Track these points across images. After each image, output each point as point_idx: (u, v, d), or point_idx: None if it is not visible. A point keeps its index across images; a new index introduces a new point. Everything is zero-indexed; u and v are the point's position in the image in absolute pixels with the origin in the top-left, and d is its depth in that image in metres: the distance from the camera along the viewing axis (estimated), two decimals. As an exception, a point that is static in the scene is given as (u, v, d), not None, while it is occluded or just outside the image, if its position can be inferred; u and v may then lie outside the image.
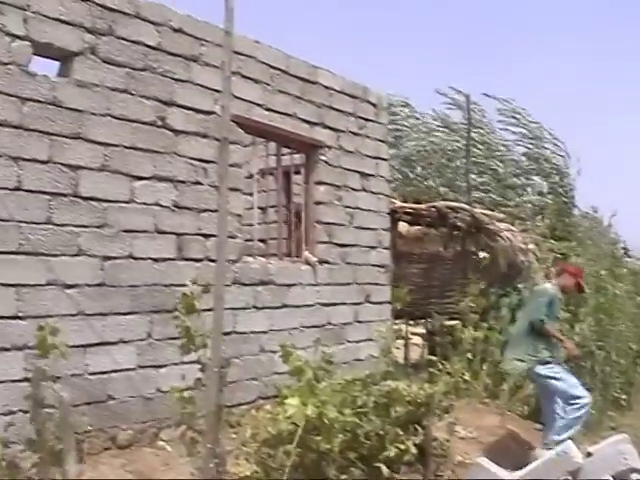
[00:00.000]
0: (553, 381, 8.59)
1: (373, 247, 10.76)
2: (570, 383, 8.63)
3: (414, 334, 14.53)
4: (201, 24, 8.26)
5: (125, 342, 7.31)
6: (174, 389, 6.01)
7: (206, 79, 8.22)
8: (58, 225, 6.79)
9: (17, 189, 6.51)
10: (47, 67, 7.04)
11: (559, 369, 8.67)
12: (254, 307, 8.68)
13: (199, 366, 5.91)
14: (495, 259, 13.08)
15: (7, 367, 6.35)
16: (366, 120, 10.77)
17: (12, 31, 6.57)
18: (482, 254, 13.37)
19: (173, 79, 7.91)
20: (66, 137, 6.89)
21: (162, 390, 7.44)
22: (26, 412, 6.13)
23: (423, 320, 14.07)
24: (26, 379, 6.28)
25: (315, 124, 9.80)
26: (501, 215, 15.54)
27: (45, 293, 6.69)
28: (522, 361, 8.72)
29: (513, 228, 14.30)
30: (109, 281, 7.18)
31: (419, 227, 13.94)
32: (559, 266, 10.12)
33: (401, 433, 6.61)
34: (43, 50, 6.87)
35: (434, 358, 9.14)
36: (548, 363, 8.61)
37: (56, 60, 7.13)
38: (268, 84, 9.10)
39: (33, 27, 6.73)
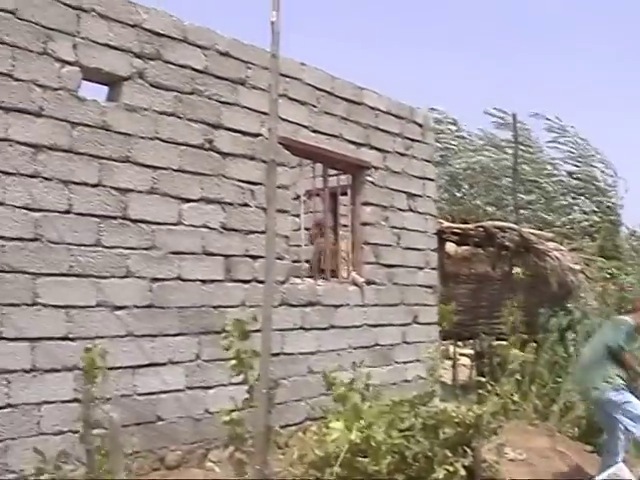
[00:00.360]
0: (624, 405, 8.37)
1: (420, 268, 10.71)
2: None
3: (462, 355, 14.45)
4: (247, 47, 8.33)
5: (174, 363, 7.35)
6: (223, 410, 6.03)
7: (253, 102, 8.28)
8: (107, 247, 6.87)
9: (67, 212, 6.61)
10: (96, 92, 7.17)
11: (629, 395, 8.46)
12: (302, 328, 8.68)
13: (247, 387, 5.93)
14: (544, 279, 12.97)
15: (57, 388, 6.43)
16: (412, 140, 10.75)
17: (62, 57, 6.70)
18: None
19: (220, 102, 7.98)
20: (115, 161, 6.99)
21: (210, 411, 7.48)
22: (76, 432, 6.18)
23: (471, 341, 14.00)
24: (76, 400, 6.35)
25: (361, 145, 9.81)
26: (550, 234, 15.40)
27: (95, 314, 6.76)
28: (597, 388, 8.50)
29: (562, 247, 14.17)
30: (158, 302, 7.24)
31: (467, 247, 13.89)
32: (635, 303, 9.89)
33: (450, 455, 6.55)
34: (92, 75, 6.99)
35: (483, 379, 9.06)
36: (620, 390, 8.40)
37: (105, 85, 7.25)
38: (314, 106, 9.14)
39: (82, 53, 6.84)
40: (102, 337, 6.72)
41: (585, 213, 23.35)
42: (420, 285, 10.66)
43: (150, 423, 7.11)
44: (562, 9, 55.94)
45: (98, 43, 6.97)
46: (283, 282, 8.43)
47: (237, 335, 5.93)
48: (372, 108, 10.06)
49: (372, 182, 9.92)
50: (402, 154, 10.52)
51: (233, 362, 5.95)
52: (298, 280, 8.84)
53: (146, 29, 7.37)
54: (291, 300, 8.55)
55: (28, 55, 6.49)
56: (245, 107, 8.24)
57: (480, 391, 8.34)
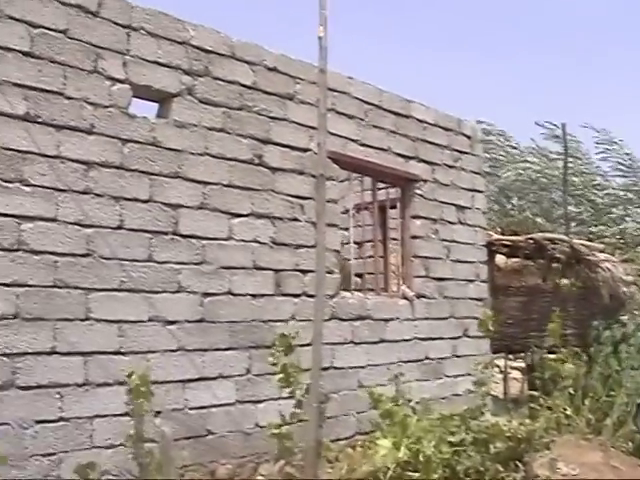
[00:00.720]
0: None
1: (471, 280, 10.65)
2: None
3: (513, 368, 14.31)
4: (295, 62, 8.38)
5: (224, 377, 7.38)
6: (272, 424, 6.04)
7: (301, 116, 8.32)
8: (159, 262, 6.93)
9: (119, 228, 6.68)
10: (146, 109, 7.25)
11: None
12: (352, 342, 8.67)
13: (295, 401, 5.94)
14: (595, 290, 12.81)
15: (109, 402, 6.47)
16: (461, 152, 10.72)
17: (112, 75, 6.79)
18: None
19: (269, 117, 8.03)
20: (166, 176, 7.06)
21: (261, 425, 7.47)
22: (129, 446, 6.23)
23: (522, 354, 13.86)
24: (127, 413, 6.40)
25: (410, 158, 9.81)
26: (601, 246, 15.22)
27: (146, 329, 6.82)
28: None
29: (613, 258, 13.99)
30: (209, 317, 7.28)
31: (517, 259, 13.74)
32: None
33: (501, 469, 6.51)
34: (142, 92, 7.07)
35: (534, 393, 8.96)
36: None
37: (155, 102, 7.33)
38: (362, 119, 9.16)
39: (132, 70, 6.94)
40: (154, 351, 6.80)
41: (638, 223, 23.09)
42: (470, 298, 10.60)
43: (201, 437, 7.13)
44: (608, 17, 55.38)
45: (147, 60, 7.06)
46: (333, 296, 8.43)
47: (283, 349, 5.95)
48: (420, 121, 10.06)
49: (421, 195, 9.91)
50: (451, 166, 10.50)
51: (280, 376, 5.97)
52: (348, 294, 8.85)
53: (194, 46, 7.45)
54: (341, 314, 8.55)
55: (79, 73, 6.58)
56: (294, 122, 8.28)
57: (532, 405, 8.26)
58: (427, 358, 9.73)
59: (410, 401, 7.01)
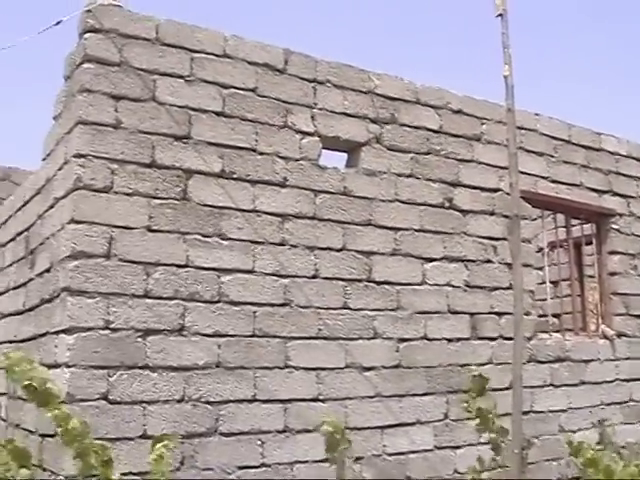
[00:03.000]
0: None
1: (676, 316, 10.17)
2: None
3: None
4: (480, 103, 8.34)
5: (422, 423, 7.34)
6: (470, 470, 5.94)
7: (489, 157, 8.26)
8: (354, 310, 7.01)
9: (314, 277, 6.82)
10: (336, 159, 7.41)
11: None
12: (551, 385, 8.43)
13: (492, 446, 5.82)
14: None
15: (309, 448, 6.57)
16: (657, 183, 10.32)
17: (302, 128, 6.99)
18: None
19: (457, 160, 8.01)
20: (358, 225, 7.16)
21: (459, 471, 7.38)
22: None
23: None
24: (327, 459, 6.44)
25: (603, 192, 9.52)
26: None
27: (343, 376, 6.89)
28: None
29: None
30: (405, 362, 7.28)
31: None
32: None
33: None
34: (331, 143, 7.24)
35: None
36: None
37: (344, 152, 7.47)
38: (552, 155, 8.99)
39: (320, 123, 7.11)
40: (351, 398, 6.87)
41: None
42: (675, 336, 10.12)
43: (398, 483, 7.12)
44: None
45: (335, 112, 7.22)
46: (530, 338, 8.26)
47: (476, 392, 5.85)
48: (612, 153, 9.76)
49: (617, 229, 9.58)
50: (647, 198, 10.11)
51: (477, 421, 5.87)
52: (545, 335, 8.63)
53: (379, 94, 7.56)
54: (539, 356, 8.35)
55: (270, 129, 6.81)
56: (482, 163, 8.22)
57: None
58: (631, 400, 9.33)
59: (615, 446, 6.74)
